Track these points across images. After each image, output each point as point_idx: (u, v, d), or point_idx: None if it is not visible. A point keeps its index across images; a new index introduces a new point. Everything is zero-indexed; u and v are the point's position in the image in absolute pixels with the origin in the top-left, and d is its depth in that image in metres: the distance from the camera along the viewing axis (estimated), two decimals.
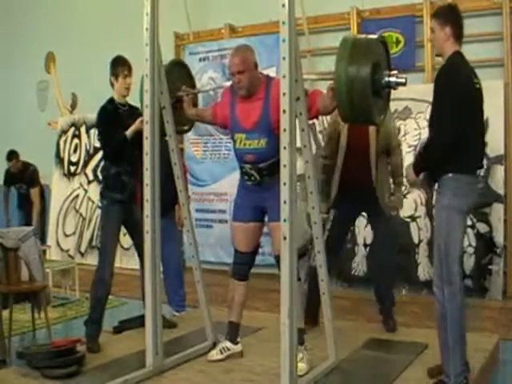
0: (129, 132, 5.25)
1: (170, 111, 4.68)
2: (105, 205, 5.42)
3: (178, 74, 5.05)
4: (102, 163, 5.82)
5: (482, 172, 4.50)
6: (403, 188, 5.78)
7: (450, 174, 3.97)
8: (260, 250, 5.00)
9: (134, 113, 5.27)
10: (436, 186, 4.15)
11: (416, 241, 7.44)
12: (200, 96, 9.50)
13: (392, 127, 5.70)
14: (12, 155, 9.10)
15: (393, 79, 4.07)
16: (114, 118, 5.34)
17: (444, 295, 3.98)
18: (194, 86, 5.29)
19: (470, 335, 5.20)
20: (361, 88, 3.86)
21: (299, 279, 4.36)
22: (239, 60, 4.52)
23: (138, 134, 4.92)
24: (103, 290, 5.25)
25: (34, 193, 9.07)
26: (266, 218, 4.70)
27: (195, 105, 5.13)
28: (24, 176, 9.02)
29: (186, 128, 5.30)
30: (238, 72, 4.50)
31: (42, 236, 8.85)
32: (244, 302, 4.83)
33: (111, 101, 5.48)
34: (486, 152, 6.67)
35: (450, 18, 4.12)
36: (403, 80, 4.07)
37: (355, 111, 3.97)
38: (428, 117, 4.21)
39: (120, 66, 5.40)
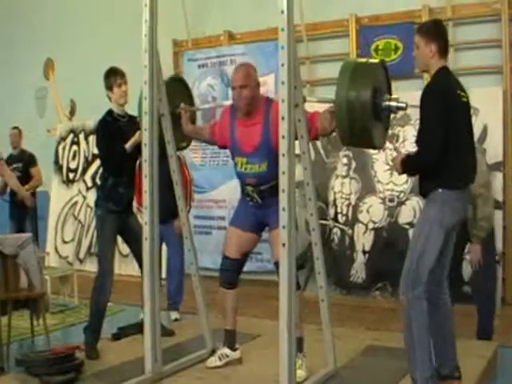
0: (128, 145, 5.22)
1: (169, 118, 4.69)
2: (99, 214, 5.39)
3: (176, 91, 5.01)
4: (100, 172, 5.80)
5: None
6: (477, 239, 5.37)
7: (440, 190, 3.94)
8: (258, 257, 5.01)
9: (134, 123, 5.20)
10: (425, 200, 4.12)
11: None
12: (198, 99, 9.56)
13: (480, 176, 4.91)
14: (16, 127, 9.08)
15: (393, 103, 4.04)
16: (114, 131, 5.30)
17: (409, 301, 3.97)
18: (192, 102, 5.28)
19: (468, 342, 5.25)
20: (361, 112, 3.85)
21: (299, 287, 4.35)
22: (242, 75, 4.53)
23: (137, 146, 4.93)
24: (103, 297, 5.24)
25: (35, 170, 8.94)
26: (267, 229, 4.69)
27: (193, 122, 5.11)
28: (23, 157, 8.92)
29: (184, 145, 5.25)
30: (240, 86, 4.49)
31: (36, 237, 8.78)
32: (236, 309, 4.82)
33: (110, 112, 5.45)
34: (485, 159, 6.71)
35: (436, 34, 4.07)
36: (404, 105, 4.05)
37: (355, 135, 3.96)
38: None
39: (112, 76, 5.35)
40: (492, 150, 7.30)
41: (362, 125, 3.89)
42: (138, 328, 5.46)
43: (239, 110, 4.59)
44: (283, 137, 3.60)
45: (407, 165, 4.08)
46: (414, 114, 7.50)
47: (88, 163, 10.80)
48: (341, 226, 8.14)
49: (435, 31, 4.10)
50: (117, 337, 5.76)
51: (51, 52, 11.66)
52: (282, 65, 3.61)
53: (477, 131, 7.35)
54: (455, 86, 4.07)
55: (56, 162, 11.19)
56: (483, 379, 4.59)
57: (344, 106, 3.86)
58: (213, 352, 4.94)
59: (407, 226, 7.62)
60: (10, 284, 5.81)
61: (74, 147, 11.09)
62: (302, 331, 4.51)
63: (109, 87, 5.37)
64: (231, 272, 4.74)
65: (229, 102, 4.83)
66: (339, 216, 8.16)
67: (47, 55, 11.76)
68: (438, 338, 4.21)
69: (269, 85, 8.90)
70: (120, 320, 6.79)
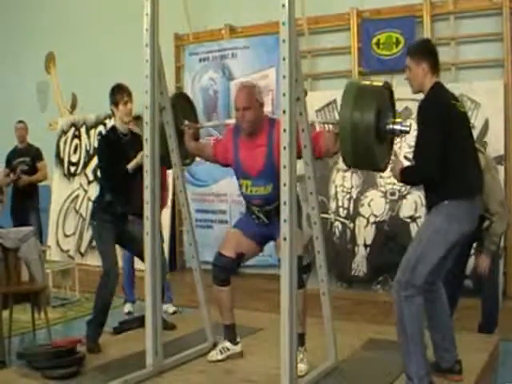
0: (130, 166, 5.22)
1: (170, 112, 4.68)
2: (95, 225, 5.38)
3: (180, 107, 4.97)
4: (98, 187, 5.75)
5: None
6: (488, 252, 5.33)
7: (446, 202, 3.91)
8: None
9: (137, 141, 5.11)
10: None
11: None
12: (200, 97, 9.57)
13: (490, 184, 5.13)
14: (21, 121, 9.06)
15: (397, 127, 4.01)
16: (116, 150, 5.28)
17: (401, 298, 3.95)
18: (196, 120, 5.24)
19: (469, 335, 5.25)
20: (365, 134, 3.81)
21: (303, 285, 4.31)
22: (246, 96, 4.48)
23: (139, 166, 4.91)
24: (109, 293, 5.23)
25: (42, 165, 8.92)
26: (271, 243, 4.68)
27: (197, 139, 5.07)
28: (30, 151, 8.90)
29: (187, 161, 5.22)
30: (243, 108, 4.45)
31: (40, 232, 8.78)
32: (232, 305, 4.77)
33: (113, 129, 5.44)
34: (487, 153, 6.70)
35: (425, 52, 4.07)
36: (407, 128, 4.02)
37: (358, 157, 3.92)
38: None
39: (118, 93, 5.33)
40: (493, 143, 7.31)
41: (365, 147, 3.85)
42: (139, 322, 5.48)
43: (242, 130, 4.56)
44: (284, 130, 3.60)
45: (406, 176, 4.07)
46: (414, 107, 7.57)
47: (89, 157, 10.81)
48: (342, 220, 8.14)
49: (424, 50, 4.11)
50: (118, 331, 5.76)
51: (53, 46, 11.66)
52: (284, 58, 3.61)
53: (478, 125, 7.38)
54: (450, 98, 4.06)
55: (57, 155, 11.19)
56: (485, 373, 4.58)
57: (348, 127, 3.82)
58: (214, 346, 4.94)
59: (408, 220, 7.63)
60: (12, 277, 5.82)
61: (76, 141, 11.10)
62: (305, 327, 4.50)
63: (114, 103, 5.35)
64: (223, 269, 4.65)
65: (232, 121, 4.79)
66: (340, 210, 8.16)
67: (49, 49, 11.76)
68: (435, 331, 4.22)
69: (270, 79, 8.91)
70: (121, 314, 6.81)
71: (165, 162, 4.81)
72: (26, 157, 8.71)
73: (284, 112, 3.60)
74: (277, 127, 4.24)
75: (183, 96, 5.43)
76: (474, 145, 4.22)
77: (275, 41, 7.60)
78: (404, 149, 7.59)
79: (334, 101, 8.28)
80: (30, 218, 8.58)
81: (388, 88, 4.17)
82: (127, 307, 7.01)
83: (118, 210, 5.31)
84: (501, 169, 7.24)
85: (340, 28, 8.71)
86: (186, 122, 4.95)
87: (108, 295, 5.23)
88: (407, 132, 4.06)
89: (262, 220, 4.62)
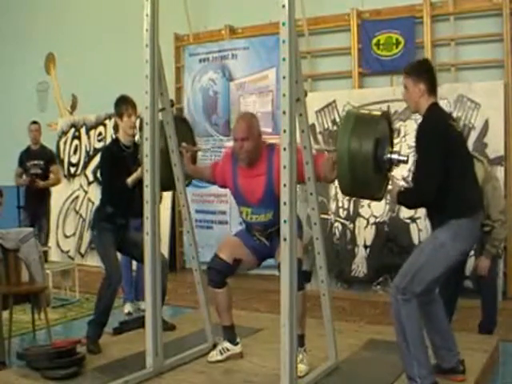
0: (130, 180, 5.24)
1: (170, 112, 4.68)
2: (95, 234, 5.40)
3: (178, 130, 4.93)
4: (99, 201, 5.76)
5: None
6: (488, 254, 5.38)
7: (452, 220, 3.89)
8: None
9: (139, 153, 5.13)
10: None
11: (416, 242, 7.45)
12: (200, 98, 9.57)
13: (490, 195, 5.28)
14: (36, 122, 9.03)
15: (395, 156, 4.02)
16: (118, 163, 5.30)
17: (398, 302, 3.95)
18: (194, 142, 5.26)
19: (469, 336, 5.25)
20: (363, 165, 3.82)
21: (302, 288, 4.29)
22: (244, 127, 4.49)
23: (139, 179, 4.95)
24: (111, 295, 5.23)
25: (55, 169, 8.90)
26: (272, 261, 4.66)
27: (194, 161, 5.09)
28: (45, 154, 8.87)
29: (185, 182, 5.25)
30: (242, 139, 4.45)
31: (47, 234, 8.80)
32: (230, 306, 4.76)
33: (116, 141, 5.46)
34: (487, 153, 6.71)
35: (423, 73, 4.05)
36: (405, 158, 4.02)
37: (356, 187, 3.94)
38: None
39: (124, 104, 5.35)
40: (493, 144, 7.31)
41: (363, 177, 3.86)
42: (139, 322, 5.48)
43: (241, 160, 4.56)
44: (284, 131, 3.60)
45: (405, 199, 4.07)
46: None
47: (89, 158, 10.81)
48: (342, 221, 8.14)
49: (422, 70, 4.10)
50: (118, 331, 5.76)
51: (52, 46, 11.66)
52: (284, 59, 3.61)
53: (478, 125, 7.38)
54: (447, 119, 4.07)
55: (57, 156, 11.18)
56: (485, 373, 4.59)
57: (346, 157, 3.82)
58: (214, 346, 4.95)
59: (408, 221, 7.62)
60: (12, 278, 5.82)
61: (76, 141, 11.09)
62: (304, 328, 4.50)
63: (119, 114, 5.37)
64: (218, 272, 4.62)
65: (230, 144, 4.79)
66: (340, 210, 8.16)
67: (48, 50, 11.76)
68: (434, 332, 4.22)
69: (270, 79, 8.91)
70: (121, 314, 6.81)
71: (167, 188, 4.94)
72: (40, 160, 8.67)
73: (284, 113, 3.60)
74: (276, 154, 4.25)
75: (180, 118, 5.46)
76: (472, 163, 4.20)
77: (275, 41, 7.60)
78: (404, 149, 7.59)
79: (334, 101, 8.29)
80: (41, 222, 8.61)
81: (386, 117, 4.18)
82: (127, 307, 7.02)
83: (117, 222, 5.34)
84: (501, 169, 7.24)
85: (340, 29, 8.71)
86: (184, 145, 4.94)
87: (110, 297, 5.23)
88: (405, 162, 4.06)
89: (262, 242, 4.65)
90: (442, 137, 3.86)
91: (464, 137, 4.23)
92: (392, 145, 4.14)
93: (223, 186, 4.86)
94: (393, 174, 4.13)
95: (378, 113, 4.19)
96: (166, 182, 4.78)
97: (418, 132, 3.96)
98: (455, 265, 4.09)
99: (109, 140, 10.16)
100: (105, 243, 5.31)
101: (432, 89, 4.06)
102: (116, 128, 5.55)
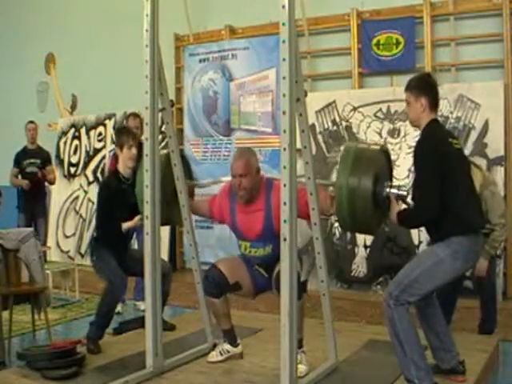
0: (125, 227, 5.29)
1: (170, 112, 4.68)
2: (96, 260, 5.40)
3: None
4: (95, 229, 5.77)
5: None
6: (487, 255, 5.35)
7: (453, 238, 3.87)
8: None
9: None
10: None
11: (416, 242, 7.44)
12: (200, 98, 9.57)
13: (489, 200, 5.31)
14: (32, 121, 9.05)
15: (394, 191, 4.02)
16: (115, 197, 5.30)
17: (390, 306, 3.94)
18: (191, 177, 5.26)
19: (469, 336, 5.25)
20: (362, 201, 3.83)
21: (301, 296, 4.27)
22: (242, 164, 4.49)
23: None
24: (114, 300, 5.24)
25: (51, 169, 8.93)
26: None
27: (191, 196, 5.10)
28: (42, 153, 8.89)
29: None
30: (239, 175, 4.47)
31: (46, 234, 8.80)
32: (228, 311, 4.73)
33: (115, 173, 5.44)
34: (486, 153, 6.70)
35: (425, 88, 4.04)
36: (405, 193, 4.02)
37: (355, 223, 3.95)
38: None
39: (125, 136, 5.37)
40: (493, 144, 7.31)
41: (362, 212, 3.86)
42: (139, 322, 5.47)
43: (239, 197, 4.56)
44: (284, 131, 3.60)
45: (407, 220, 4.05)
46: None
47: (89, 158, 10.80)
48: None
49: (424, 85, 4.08)
50: (118, 331, 5.77)
51: (52, 46, 11.67)
52: (284, 59, 3.61)
53: (478, 125, 7.38)
54: (446, 136, 4.06)
55: (57, 156, 11.18)
56: (485, 373, 4.59)
57: (344, 193, 3.84)
58: (214, 346, 4.94)
59: None
60: (12, 278, 5.82)
61: (76, 142, 11.09)
62: (302, 332, 4.46)
63: (119, 145, 5.38)
64: (215, 285, 4.58)
65: (228, 179, 4.78)
66: None
67: (48, 50, 11.76)
68: (432, 333, 4.22)
69: (270, 79, 8.91)
70: (121, 315, 6.80)
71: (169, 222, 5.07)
72: (37, 159, 8.72)
73: (284, 113, 3.60)
74: (275, 189, 4.29)
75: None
76: (472, 179, 4.16)
77: (275, 41, 7.60)
78: (404, 149, 7.60)
79: (334, 102, 8.29)
80: (38, 222, 8.63)
81: (385, 152, 4.17)
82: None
83: (116, 249, 5.35)
84: (501, 169, 7.24)
85: (340, 29, 8.71)
86: None
87: (113, 302, 5.24)
88: (404, 196, 4.05)
89: (261, 273, 4.66)
90: (440, 156, 3.84)
91: (464, 155, 4.20)
92: (391, 178, 4.15)
93: (221, 222, 4.87)
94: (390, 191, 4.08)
95: (377, 147, 4.19)
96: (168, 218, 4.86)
97: (416, 151, 3.94)
98: (452, 281, 4.09)
99: (109, 142, 10.18)
100: (104, 259, 5.30)
101: (434, 104, 4.05)
102: (116, 158, 5.52)
